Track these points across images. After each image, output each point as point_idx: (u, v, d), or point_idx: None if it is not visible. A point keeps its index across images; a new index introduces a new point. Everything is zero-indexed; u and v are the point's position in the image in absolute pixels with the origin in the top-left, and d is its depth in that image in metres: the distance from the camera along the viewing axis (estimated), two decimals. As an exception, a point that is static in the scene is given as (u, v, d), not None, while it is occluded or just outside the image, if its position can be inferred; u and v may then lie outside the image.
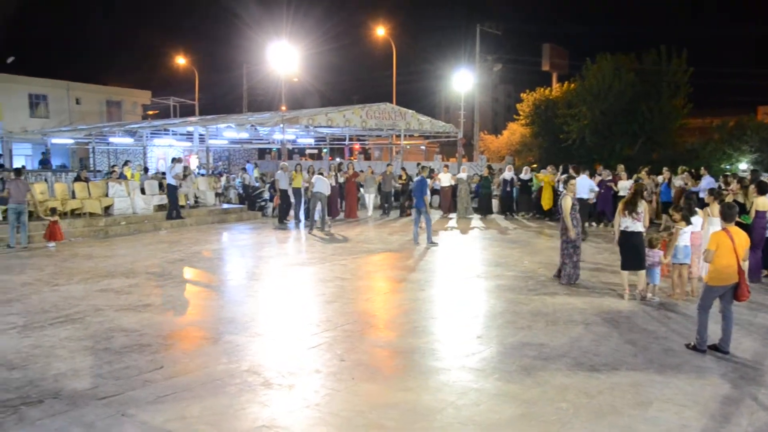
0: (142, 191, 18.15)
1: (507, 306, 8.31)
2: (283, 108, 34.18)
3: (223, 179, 24.62)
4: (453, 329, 7.29)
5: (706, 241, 7.78)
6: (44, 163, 25.09)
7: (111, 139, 28.53)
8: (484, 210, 20.24)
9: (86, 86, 40.90)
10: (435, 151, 38.93)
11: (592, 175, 16.55)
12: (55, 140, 29.68)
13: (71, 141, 30.74)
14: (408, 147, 36.93)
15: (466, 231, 16.64)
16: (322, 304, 8.51)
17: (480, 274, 10.61)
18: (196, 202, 20.03)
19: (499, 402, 5.15)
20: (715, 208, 8.84)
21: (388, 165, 21.78)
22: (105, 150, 33.15)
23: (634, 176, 16.98)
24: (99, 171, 26.65)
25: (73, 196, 16.58)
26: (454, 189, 20.74)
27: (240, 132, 24.58)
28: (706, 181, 15.04)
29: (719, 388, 5.51)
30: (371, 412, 4.93)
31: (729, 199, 9.71)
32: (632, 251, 8.51)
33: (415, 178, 15.08)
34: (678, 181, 15.98)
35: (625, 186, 15.71)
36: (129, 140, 27.96)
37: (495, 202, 21.10)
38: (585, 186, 14.78)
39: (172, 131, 28.29)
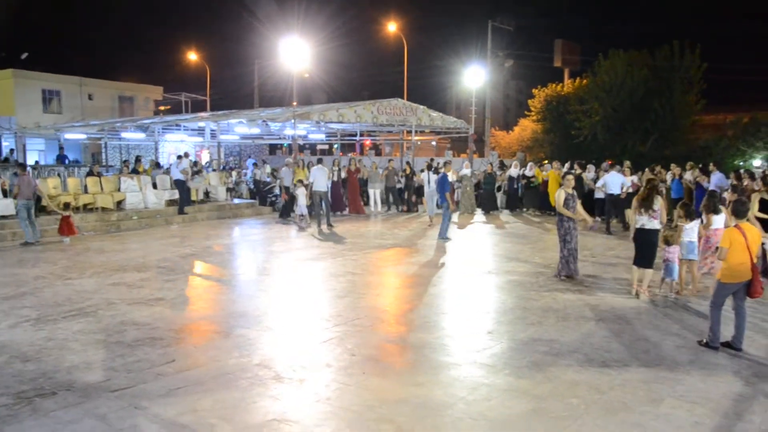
0: (154, 186, 18.30)
1: (518, 302, 8.30)
2: (294, 104, 34.18)
3: (234, 174, 24.67)
4: (463, 324, 7.28)
5: None
6: (61, 159, 25.32)
7: (123, 135, 28.64)
8: (487, 206, 20.18)
9: (99, 82, 41.08)
10: (446, 147, 38.82)
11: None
12: (67, 135, 29.85)
13: (84, 136, 30.91)
14: (419, 143, 36.85)
15: (475, 227, 16.61)
16: (333, 298, 8.54)
17: (491, 269, 10.59)
18: (207, 196, 20.13)
19: (510, 397, 5.14)
20: None
21: (389, 161, 21.75)
22: (117, 145, 33.33)
23: (638, 173, 16.84)
24: (111, 166, 26.79)
25: (86, 191, 16.75)
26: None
27: (251, 127, 24.63)
28: (716, 177, 14.90)
29: (732, 385, 5.47)
30: (382, 406, 4.94)
31: (759, 197, 9.55)
32: (647, 248, 8.46)
33: (438, 175, 15.12)
34: (687, 176, 15.84)
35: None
36: (141, 135, 28.06)
37: (500, 199, 21.01)
38: (617, 182, 14.69)
39: (184, 126, 28.38)
